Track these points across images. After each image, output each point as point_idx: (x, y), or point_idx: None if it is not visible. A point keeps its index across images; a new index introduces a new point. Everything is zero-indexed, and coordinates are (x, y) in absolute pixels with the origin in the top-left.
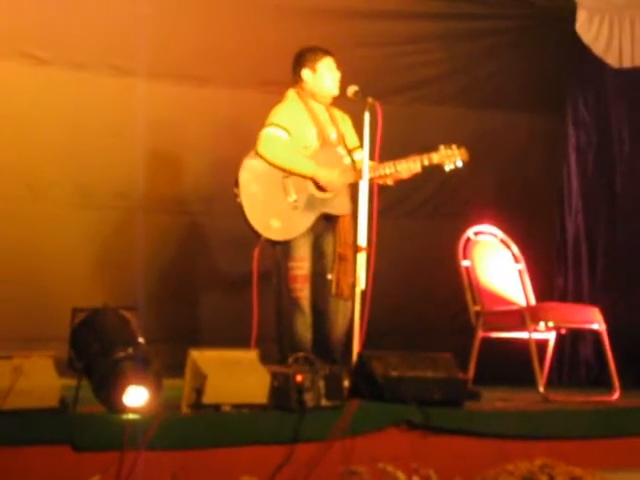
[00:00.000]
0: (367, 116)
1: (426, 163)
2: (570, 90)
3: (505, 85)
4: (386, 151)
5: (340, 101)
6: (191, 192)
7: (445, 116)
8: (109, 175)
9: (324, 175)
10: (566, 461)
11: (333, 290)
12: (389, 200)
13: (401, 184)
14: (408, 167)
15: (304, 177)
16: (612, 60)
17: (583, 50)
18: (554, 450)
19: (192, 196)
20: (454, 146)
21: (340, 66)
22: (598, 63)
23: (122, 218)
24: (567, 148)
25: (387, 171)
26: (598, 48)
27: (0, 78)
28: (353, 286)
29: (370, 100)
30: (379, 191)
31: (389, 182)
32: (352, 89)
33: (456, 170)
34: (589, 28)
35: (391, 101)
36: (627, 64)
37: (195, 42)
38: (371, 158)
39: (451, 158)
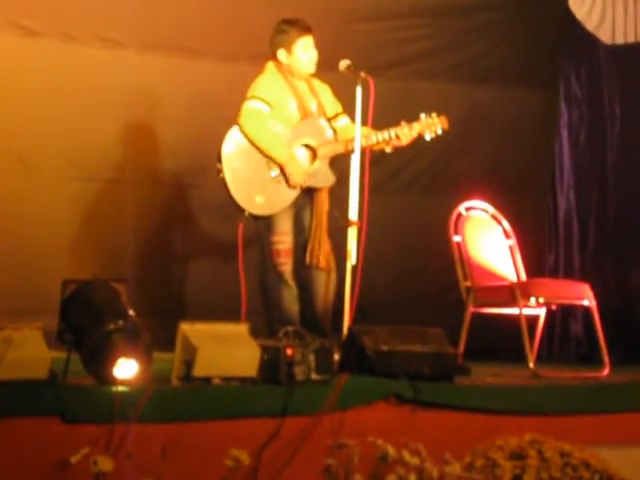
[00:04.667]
0: (359, 90)
1: (406, 132)
2: (562, 66)
3: (497, 61)
4: (377, 125)
5: (332, 75)
6: (181, 164)
7: (437, 91)
8: (99, 147)
9: (293, 169)
10: (555, 436)
11: (307, 259)
12: (381, 176)
13: (393, 160)
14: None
15: (274, 161)
16: (605, 36)
17: (576, 26)
18: (543, 425)
19: (182, 168)
20: (434, 114)
21: (332, 40)
22: (591, 39)
23: (112, 190)
24: (559, 124)
25: (380, 138)
26: (591, 24)
27: None
28: (329, 256)
29: (362, 74)
30: (370, 166)
31: (388, 150)
32: (344, 63)
33: (448, 145)
34: (582, 4)
35: (383, 75)
36: (620, 40)
37: (186, 14)
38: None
39: (432, 127)
